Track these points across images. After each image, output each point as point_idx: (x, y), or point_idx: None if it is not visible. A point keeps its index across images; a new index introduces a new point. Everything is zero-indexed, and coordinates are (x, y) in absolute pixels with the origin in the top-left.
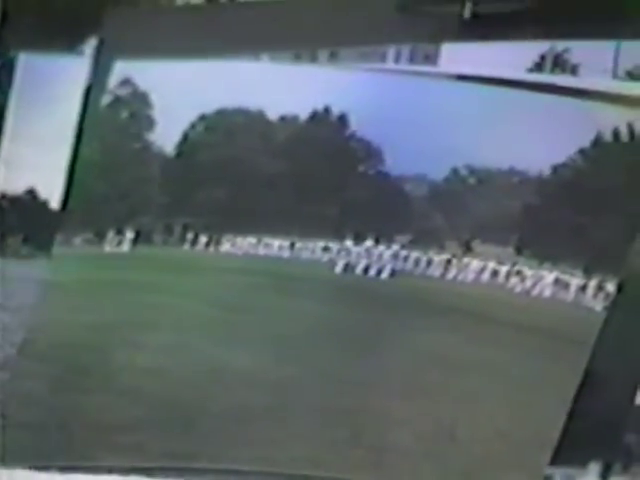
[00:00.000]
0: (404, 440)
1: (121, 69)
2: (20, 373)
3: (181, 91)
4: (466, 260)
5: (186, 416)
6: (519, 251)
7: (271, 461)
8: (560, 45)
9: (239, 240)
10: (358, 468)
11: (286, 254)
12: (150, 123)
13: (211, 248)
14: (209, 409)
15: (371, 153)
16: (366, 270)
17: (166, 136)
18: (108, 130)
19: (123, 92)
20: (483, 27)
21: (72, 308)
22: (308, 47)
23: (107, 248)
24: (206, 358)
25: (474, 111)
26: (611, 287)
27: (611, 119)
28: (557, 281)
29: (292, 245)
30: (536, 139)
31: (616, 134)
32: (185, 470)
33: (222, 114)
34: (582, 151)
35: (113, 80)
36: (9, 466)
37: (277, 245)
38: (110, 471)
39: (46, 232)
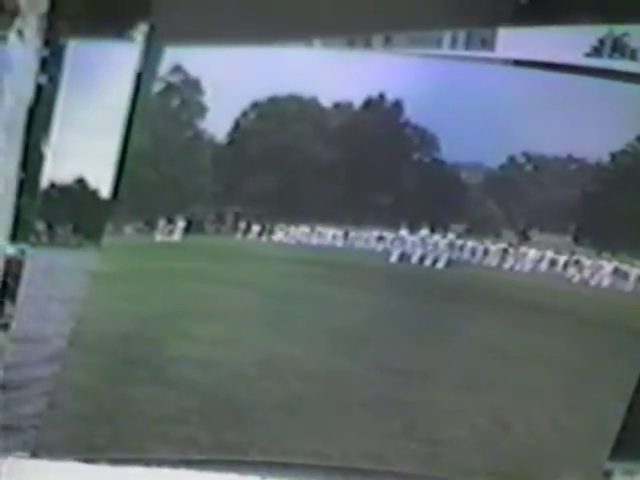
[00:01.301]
0: (459, 432)
1: (172, 56)
2: (70, 365)
3: (233, 78)
4: (523, 249)
5: (237, 408)
6: (577, 240)
7: (324, 454)
8: (619, 29)
9: (292, 229)
10: (412, 461)
11: (340, 243)
12: (201, 111)
13: (264, 237)
14: (261, 401)
15: (426, 140)
16: (421, 260)
17: (218, 124)
18: (159, 118)
19: (174, 79)
20: (540, 11)
21: (122, 298)
22: (362, 32)
23: (158, 237)
24: (258, 349)
25: (531, 97)
26: None
27: None
28: (616, 271)
29: (346, 234)
30: (594, 125)
31: None
32: (236, 463)
33: (274, 101)
34: None
35: (164, 67)
36: (58, 458)
37: (331, 234)
38: (160, 464)
39: (96, 221)
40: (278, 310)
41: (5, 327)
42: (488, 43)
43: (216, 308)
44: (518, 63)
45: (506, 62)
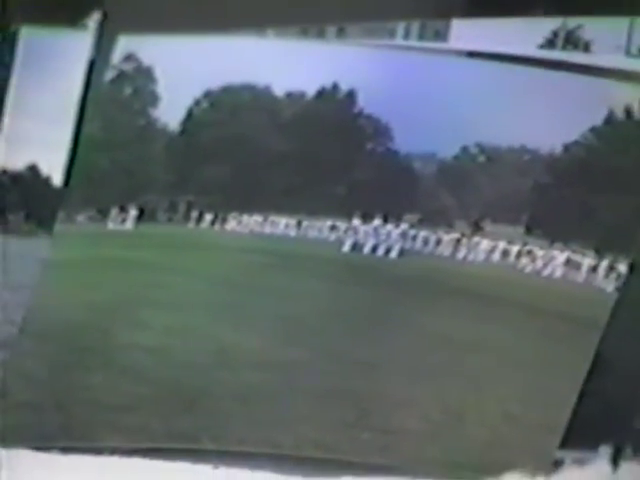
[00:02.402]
0: (411, 422)
1: (125, 44)
2: (21, 352)
3: (186, 67)
4: (476, 240)
5: (189, 397)
6: (530, 231)
7: (276, 443)
8: (572, 22)
9: (245, 218)
10: (364, 450)
11: (293, 233)
12: (154, 99)
13: (216, 226)
14: (213, 390)
15: (379, 131)
16: (374, 249)
17: (170, 113)
18: (111, 106)
19: (126, 68)
20: (494, 3)
21: (74, 287)
22: (315, 23)
23: (110, 226)
24: (210, 338)
25: (485, 88)
26: (623, 267)
27: (623, 96)
28: (568, 261)
29: (299, 224)
30: (548, 117)
31: (628, 112)
32: (189, 451)
33: (228, 91)
34: (594, 129)
35: (116, 55)
36: (10, 446)
37: (283, 224)
38: (112, 452)
39: (48, 209)
40: (231, 299)
41: None
42: (441, 34)
43: (168, 297)
44: (472, 54)
45: (459, 53)
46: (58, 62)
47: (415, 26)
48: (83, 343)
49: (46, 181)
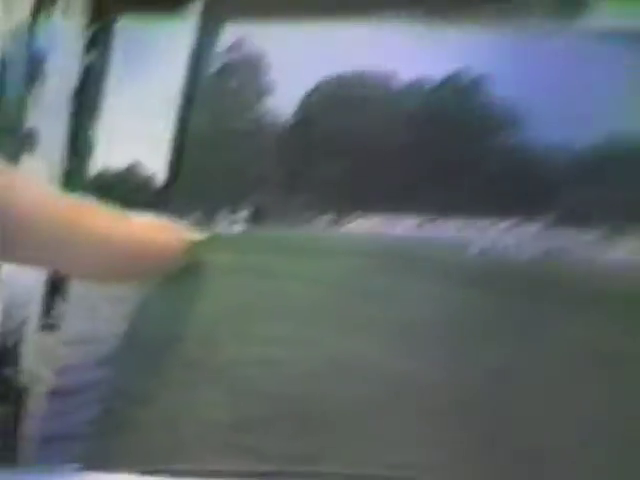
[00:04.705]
0: (552, 443)
1: (230, 32)
2: (123, 368)
3: (298, 56)
4: (618, 240)
5: (305, 414)
6: None
7: (402, 466)
8: None
9: (364, 219)
10: (491, 475)
11: (415, 234)
12: (264, 91)
13: (333, 228)
14: (330, 406)
15: (510, 121)
16: (505, 252)
17: (282, 105)
18: (217, 99)
19: (233, 57)
20: None
21: (178, 295)
22: (440, 6)
23: (218, 229)
24: (326, 349)
25: (626, 73)
26: None
27: None
28: None
29: (422, 225)
30: None
31: None
32: (305, 474)
33: (343, 81)
34: None
35: (222, 44)
36: (114, 470)
37: (406, 225)
38: (222, 475)
39: (151, 211)
40: (348, 307)
41: (56, 327)
42: (578, 15)
43: (282, 305)
44: (611, 35)
45: (599, 34)
46: (158, 54)
47: (550, 5)
48: (190, 357)
49: (148, 181)
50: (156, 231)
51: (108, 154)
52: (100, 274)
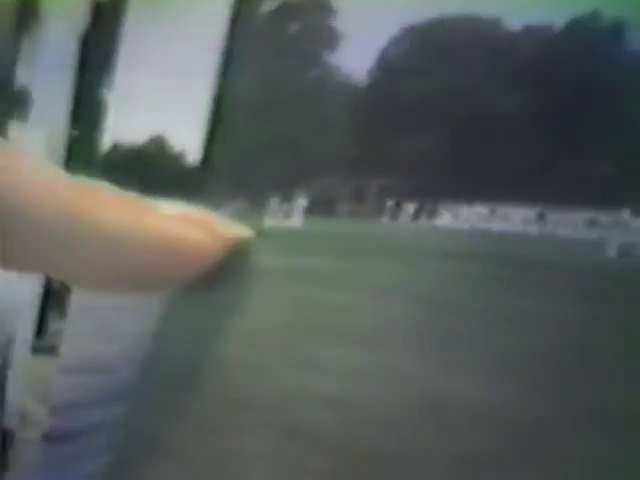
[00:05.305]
0: None
1: None
2: (141, 406)
3: None
4: None
5: (386, 469)
6: None
7: None
8: None
9: (463, 209)
10: None
11: (532, 230)
12: (332, 39)
13: (421, 221)
14: (420, 460)
15: None
16: None
17: (356, 58)
18: (270, 52)
19: None
20: None
21: (214, 311)
22: None
23: (269, 221)
24: (412, 384)
25: None
26: None
27: None
28: None
29: (541, 217)
30: None
31: None
32: None
33: (437, 25)
34: None
35: None
36: None
37: (519, 217)
38: None
39: (181, 197)
40: (441, 327)
41: (51, 351)
42: None
43: (351, 324)
44: None
45: None
46: None
47: None
48: (230, 392)
49: (177, 158)
50: (186, 225)
51: (125, 122)
52: (111, 282)
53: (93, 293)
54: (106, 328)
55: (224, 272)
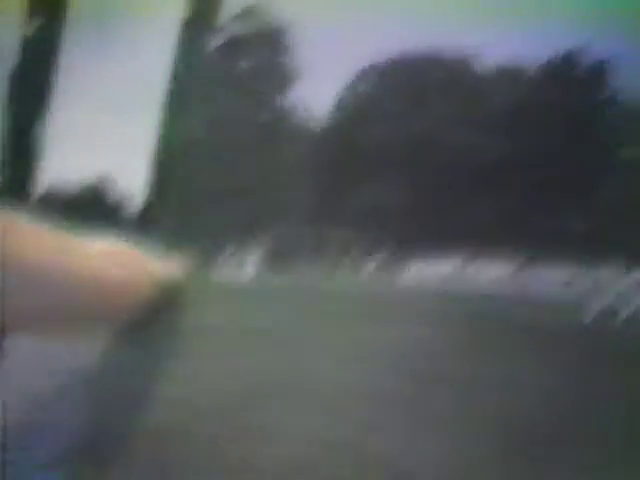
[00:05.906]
0: None
1: None
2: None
3: (335, 27)
4: None
5: None
6: None
7: None
8: None
9: (432, 264)
10: None
11: (508, 288)
12: (286, 78)
13: (387, 276)
14: None
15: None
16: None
17: (313, 99)
18: (219, 91)
19: (244, 29)
20: None
21: (168, 370)
22: None
23: (220, 274)
24: (374, 454)
25: None
26: None
27: None
28: None
29: (515, 275)
30: None
31: None
32: None
33: (402, 64)
34: None
35: (225, 13)
36: None
37: (491, 273)
38: None
39: (123, 240)
40: (417, 398)
41: None
42: None
43: (307, 389)
44: None
45: None
46: (135, 22)
47: None
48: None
49: (117, 205)
50: (110, 264)
51: (61, 163)
52: (40, 323)
53: (29, 338)
54: (40, 392)
55: (159, 318)
